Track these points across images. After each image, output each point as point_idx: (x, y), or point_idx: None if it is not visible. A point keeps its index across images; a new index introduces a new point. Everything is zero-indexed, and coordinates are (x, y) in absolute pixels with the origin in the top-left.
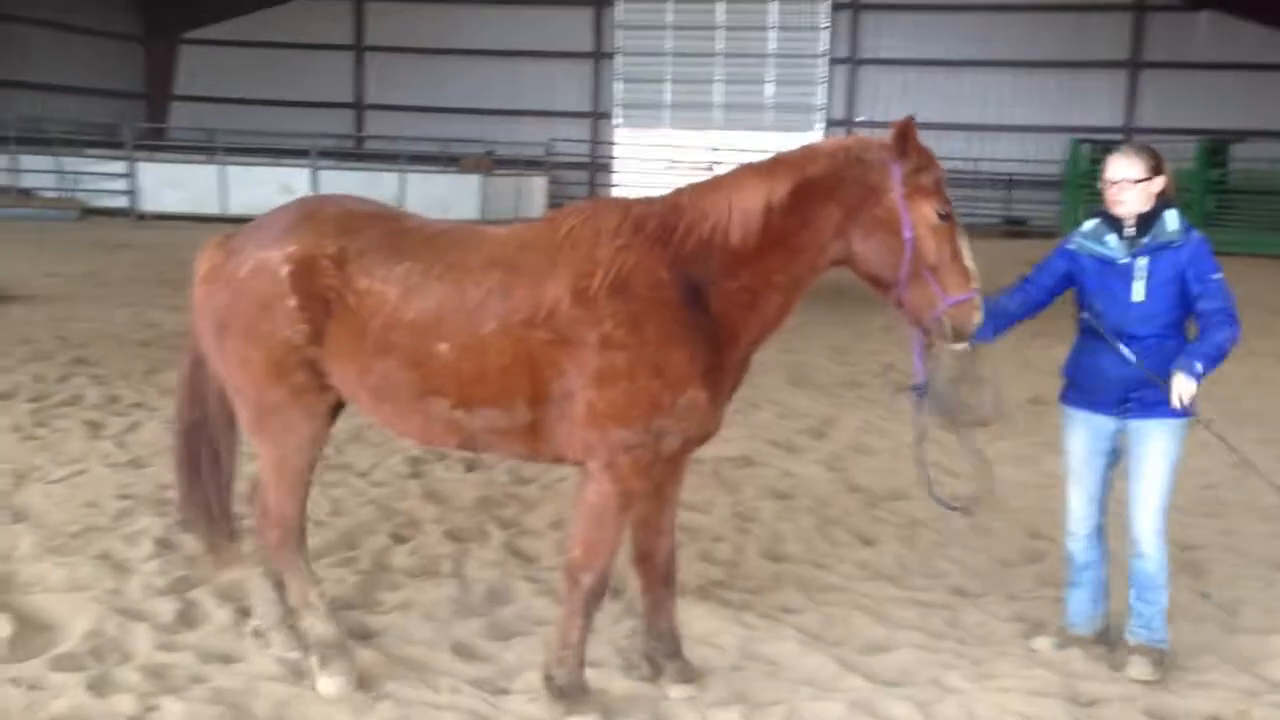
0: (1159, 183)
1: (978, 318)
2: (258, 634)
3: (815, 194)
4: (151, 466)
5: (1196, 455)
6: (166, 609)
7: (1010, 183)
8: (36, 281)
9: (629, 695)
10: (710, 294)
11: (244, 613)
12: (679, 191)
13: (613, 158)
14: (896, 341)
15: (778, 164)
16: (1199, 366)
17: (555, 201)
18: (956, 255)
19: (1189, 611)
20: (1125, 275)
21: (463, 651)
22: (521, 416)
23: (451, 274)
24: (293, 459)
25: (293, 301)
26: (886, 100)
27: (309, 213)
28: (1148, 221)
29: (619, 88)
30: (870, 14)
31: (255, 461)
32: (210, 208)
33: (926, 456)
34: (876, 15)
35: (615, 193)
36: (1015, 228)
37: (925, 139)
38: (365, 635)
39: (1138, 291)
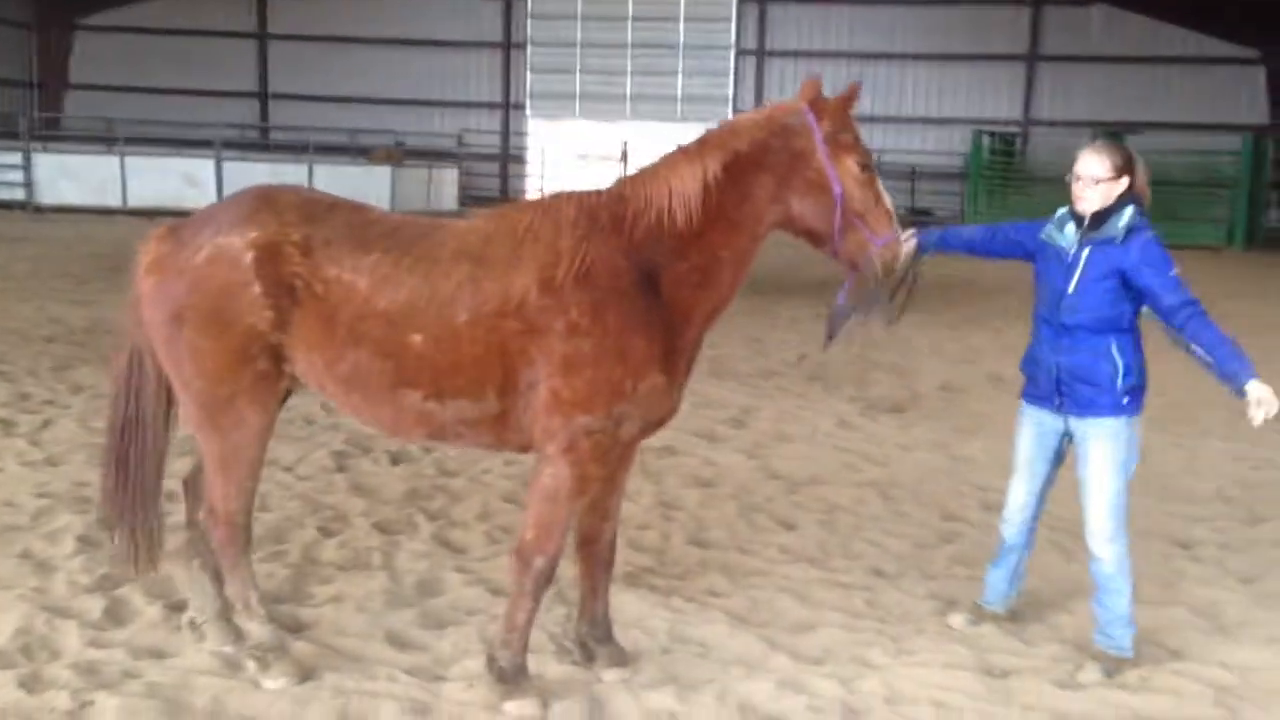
0: (1123, 183)
1: (903, 252)
2: (193, 627)
3: (748, 167)
4: (68, 464)
5: None
6: (94, 606)
7: (914, 174)
8: None
9: (564, 680)
10: (663, 278)
11: (174, 609)
12: (621, 182)
13: (525, 149)
14: (806, 333)
15: (706, 144)
16: (1250, 367)
17: (467, 194)
18: (879, 200)
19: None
20: (1069, 266)
21: (397, 641)
22: (491, 406)
23: (421, 266)
24: (242, 454)
25: (257, 288)
26: (793, 91)
27: (266, 200)
28: (1102, 217)
29: (530, 78)
30: (777, 6)
31: (186, 459)
32: (110, 200)
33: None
34: (783, 7)
35: (528, 184)
36: (921, 218)
37: None
38: (298, 628)
39: (1072, 283)
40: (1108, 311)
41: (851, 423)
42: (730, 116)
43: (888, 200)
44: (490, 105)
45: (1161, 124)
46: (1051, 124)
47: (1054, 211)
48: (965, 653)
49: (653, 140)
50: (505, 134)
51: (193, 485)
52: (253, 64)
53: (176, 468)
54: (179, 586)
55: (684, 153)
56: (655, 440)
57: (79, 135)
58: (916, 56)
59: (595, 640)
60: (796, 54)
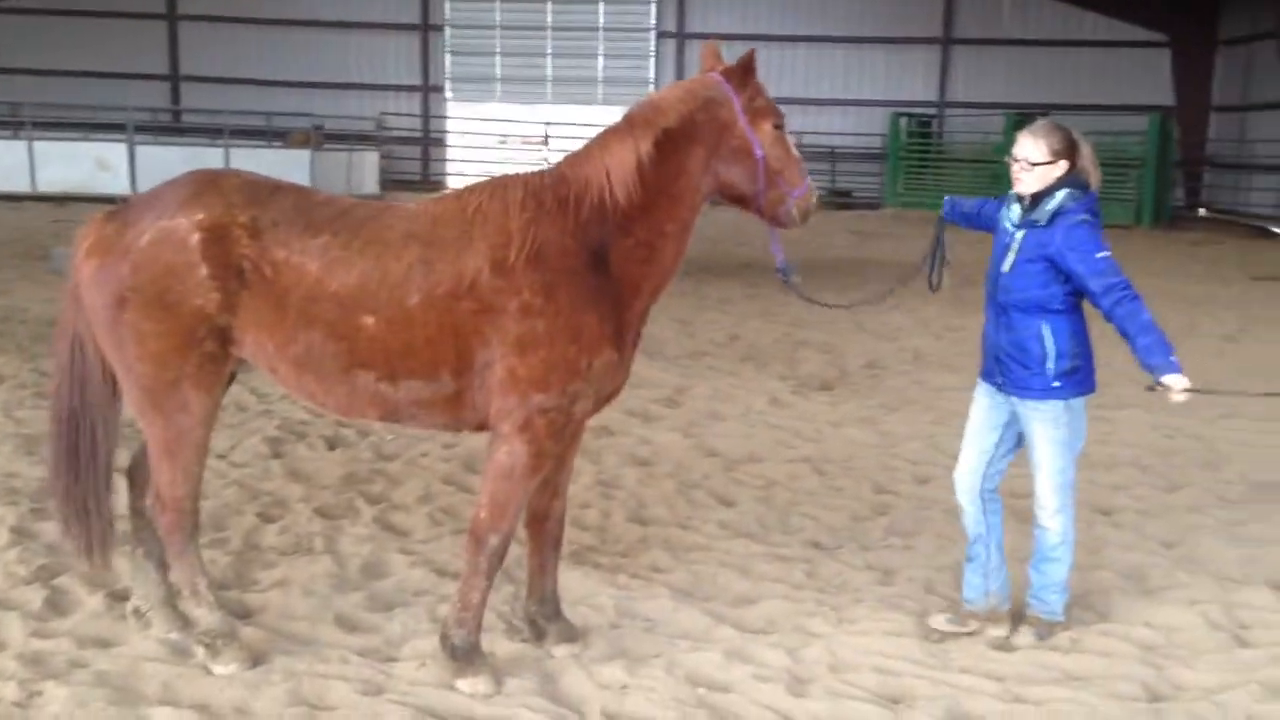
0: (1061, 167)
1: (814, 200)
2: (138, 614)
3: (679, 142)
4: None
5: None
6: (34, 597)
7: (834, 155)
8: None
9: (516, 656)
10: (610, 255)
11: (116, 598)
12: (560, 164)
13: (446, 132)
14: (735, 313)
15: (635, 123)
16: (1170, 360)
17: (388, 177)
18: (791, 155)
19: (1017, 552)
20: (1006, 246)
21: (346, 624)
22: (446, 387)
23: (372, 248)
24: (187, 438)
25: (204, 270)
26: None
27: (211, 182)
28: (1039, 200)
29: (449, 61)
30: None
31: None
32: (19, 185)
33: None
34: None
35: (449, 168)
36: (841, 199)
37: None
38: (245, 613)
39: (1007, 263)
40: (1037, 293)
41: (783, 400)
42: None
43: (797, 153)
44: (409, 88)
45: (1072, 106)
46: (966, 106)
47: (970, 192)
48: (905, 620)
49: (574, 123)
50: (425, 117)
51: (134, 473)
52: (163, 46)
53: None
54: (121, 575)
55: (615, 133)
56: (591, 420)
57: None
58: (834, 39)
59: (545, 618)
60: (716, 36)
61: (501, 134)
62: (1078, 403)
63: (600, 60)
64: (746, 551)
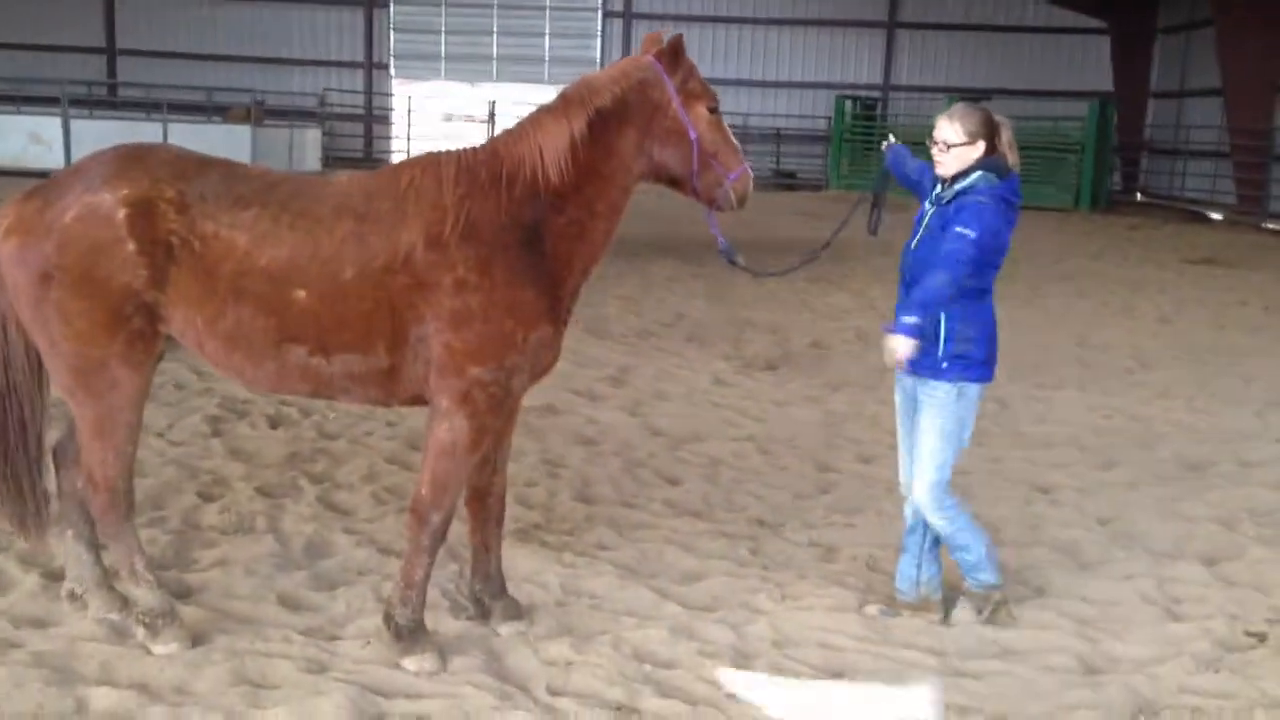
0: (979, 148)
1: (750, 184)
2: (73, 598)
3: (611, 122)
4: None
5: None
6: None
7: (779, 136)
8: None
9: (461, 634)
10: (543, 232)
11: (51, 577)
12: (494, 140)
13: (390, 110)
14: (681, 292)
15: (570, 102)
16: (906, 320)
17: (330, 154)
18: (727, 138)
19: None
20: (918, 224)
21: (289, 603)
22: (381, 361)
23: (303, 221)
24: (118, 417)
25: (131, 246)
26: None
27: (136, 157)
28: (954, 181)
29: (394, 38)
30: None
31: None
32: None
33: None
34: None
35: (394, 145)
36: (785, 180)
37: None
38: (185, 593)
39: (915, 239)
40: None
41: (728, 380)
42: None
43: (733, 138)
44: (353, 65)
45: (1014, 91)
46: (910, 89)
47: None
48: (847, 596)
49: (519, 102)
50: (369, 94)
51: (61, 454)
52: (100, 18)
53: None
54: (57, 555)
55: (549, 112)
56: (537, 399)
57: None
58: (780, 22)
59: (490, 596)
60: (663, 17)
61: (446, 112)
62: (970, 392)
63: (546, 39)
64: (692, 529)
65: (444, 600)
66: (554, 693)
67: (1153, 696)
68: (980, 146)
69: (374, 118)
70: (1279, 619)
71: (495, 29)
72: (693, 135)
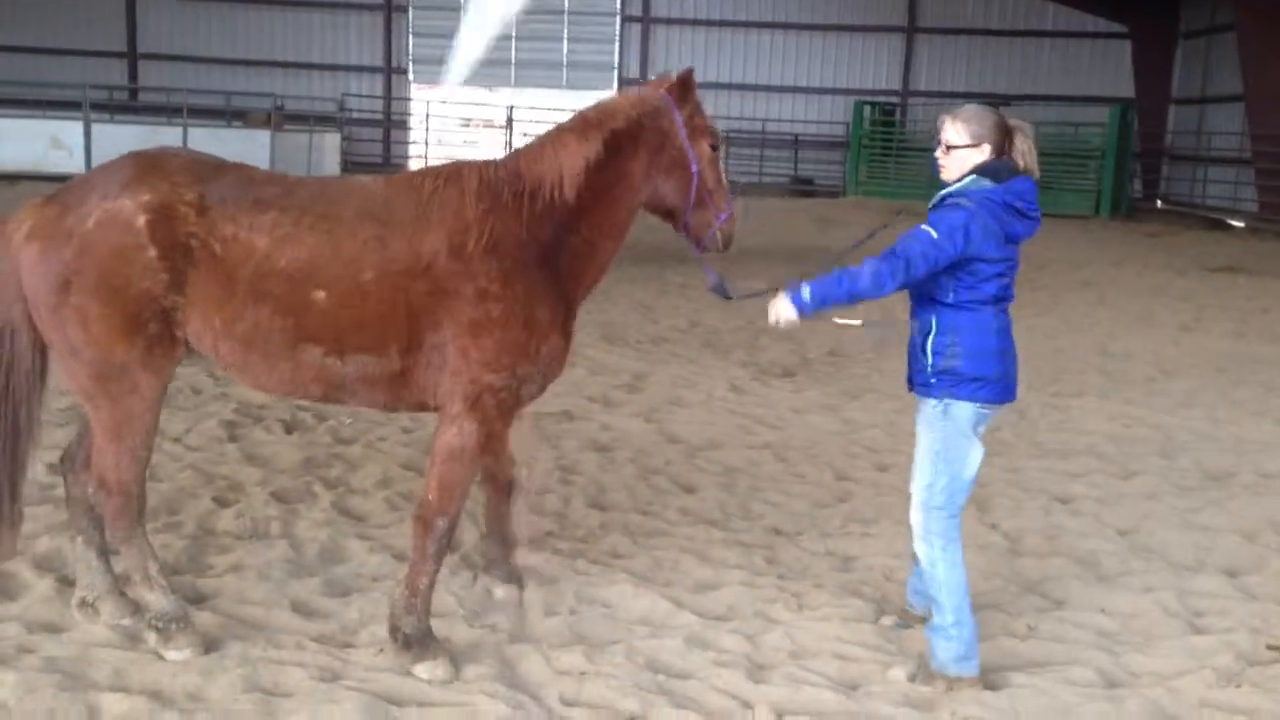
0: (983, 153)
1: (735, 227)
2: (84, 605)
3: (625, 147)
4: None
5: None
6: None
7: (797, 142)
8: None
9: (473, 643)
10: (558, 249)
11: (65, 582)
12: (515, 157)
13: (408, 115)
14: (696, 299)
15: (587, 124)
16: (806, 291)
17: (349, 159)
18: (721, 180)
19: (974, 539)
20: None
21: (302, 609)
22: (393, 364)
23: (324, 224)
24: (136, 421)
25: (152, 251)
26: (679, 59)
27: (153, 162)
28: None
29: (412, 43)
30: None
31: (63, 430)
32: None
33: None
34: None
35: (412, 150)
36: (803, 186)
37: (715, 99)
38: (198, 599)
39: None
40: (925, 280)
41: (744, 387)
42: (615, 85)
43: (726, 180)
44: (371, 69)
45: (1034, 96)
46: (929, 95)
47: (931, 181)
48: (864, 606)
49: (538, 107)
50: (387, 99)
51: (70, 460)
52: (121, 22)
53: (58, 439)
54: (70, 559)
55: (569, 131)
56: (552, 405)
57: None
58: (799, 26)
59: (503, 559)
60: (682, 21)
61: (464, 117)
62: (959, 412)
63: (565, 44)
64: (707, 538)
65: (459, 608)
66: (567, 702)
67: (1174, 711)
68: (985, 150)
69: (392, 123)
70: None
71: (514, 34)
72: (694, 169)
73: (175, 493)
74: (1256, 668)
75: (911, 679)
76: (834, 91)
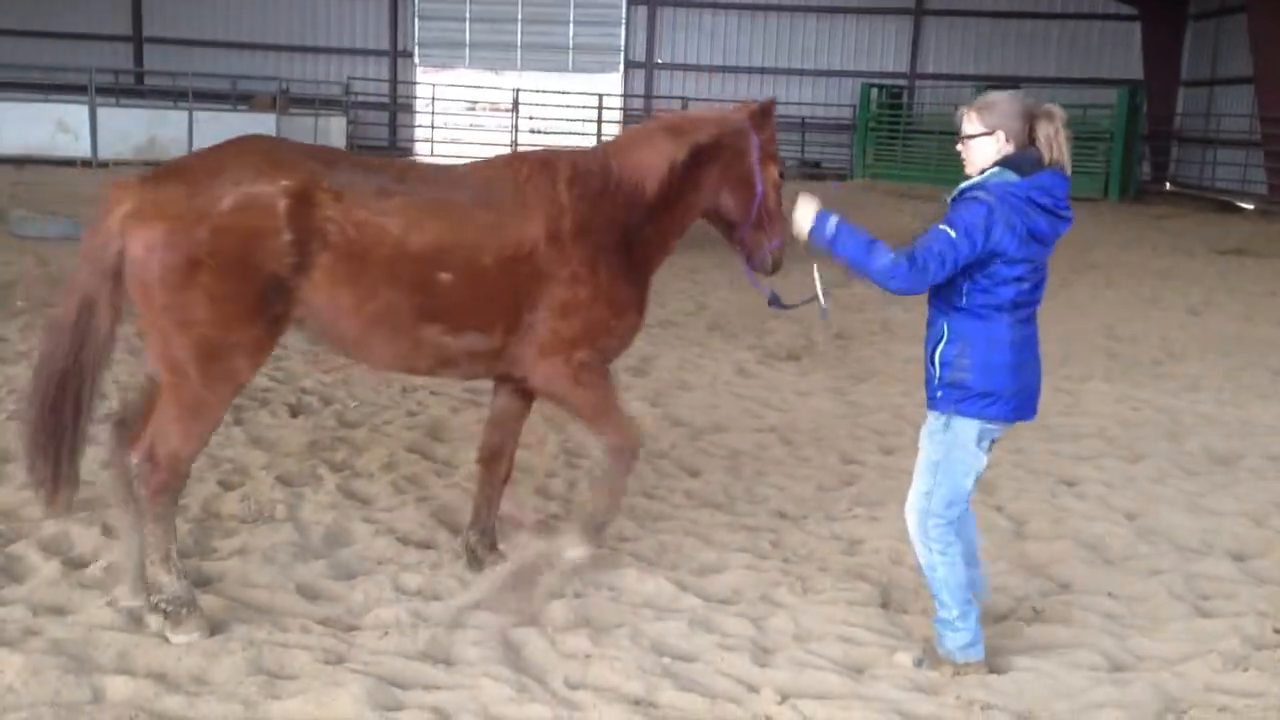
0: (1000, 141)
1: (782, 257)
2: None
3: (704, 157)
4: None
5: None
6: None
7: (804, 125)
8: None
9: (480, 625)
10: (634, 238)
11: (71, 565)
12: (604, 150)
13: (414, 98)
14: (704, 282)
15: (677, 130)
16: (833, 224)
17: (355, 143)
18: (780, 208)
19: (981, 522)
20: None
21: (307, 592)
22: (495, 341)
23: (444, 210)
24: (216, 406)
25: (287, 235)
26: (685, 42)
27: (273, 147)
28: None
29: (418, 26)
30: None
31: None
32: None
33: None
34: None
35: (418, 134)
36: (811, 169)
37: (721, 82)
38: (204, 582)
39: None
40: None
41: (750, 371)
42: (621, 68)
43: (784, 209)
44: (377, 53)
45: (1043, 79)
46: (937, 77)
47: (938, 163)
48: (869, 590)
49: (544, 90)
50: (393, 82)
51: (119, 432)
52: (126, 6)
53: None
54: (75, 542)
55: (661, 132)
56: None
57: None
58: (806, 9)
59: (483, 548)
60: (688, 4)
61: (470, 100)
62: (960, 427)
63: (571, 27)
64: (712, 521)
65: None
66: (572, 685)
67: (1180, 695)
68: (1001, 139)
69: (398, 106)
70: None
71: (520, 17)
72: (759, 190)
73: None
74: (1264, 651)
75: (918, 664)
76: (841, 74)
